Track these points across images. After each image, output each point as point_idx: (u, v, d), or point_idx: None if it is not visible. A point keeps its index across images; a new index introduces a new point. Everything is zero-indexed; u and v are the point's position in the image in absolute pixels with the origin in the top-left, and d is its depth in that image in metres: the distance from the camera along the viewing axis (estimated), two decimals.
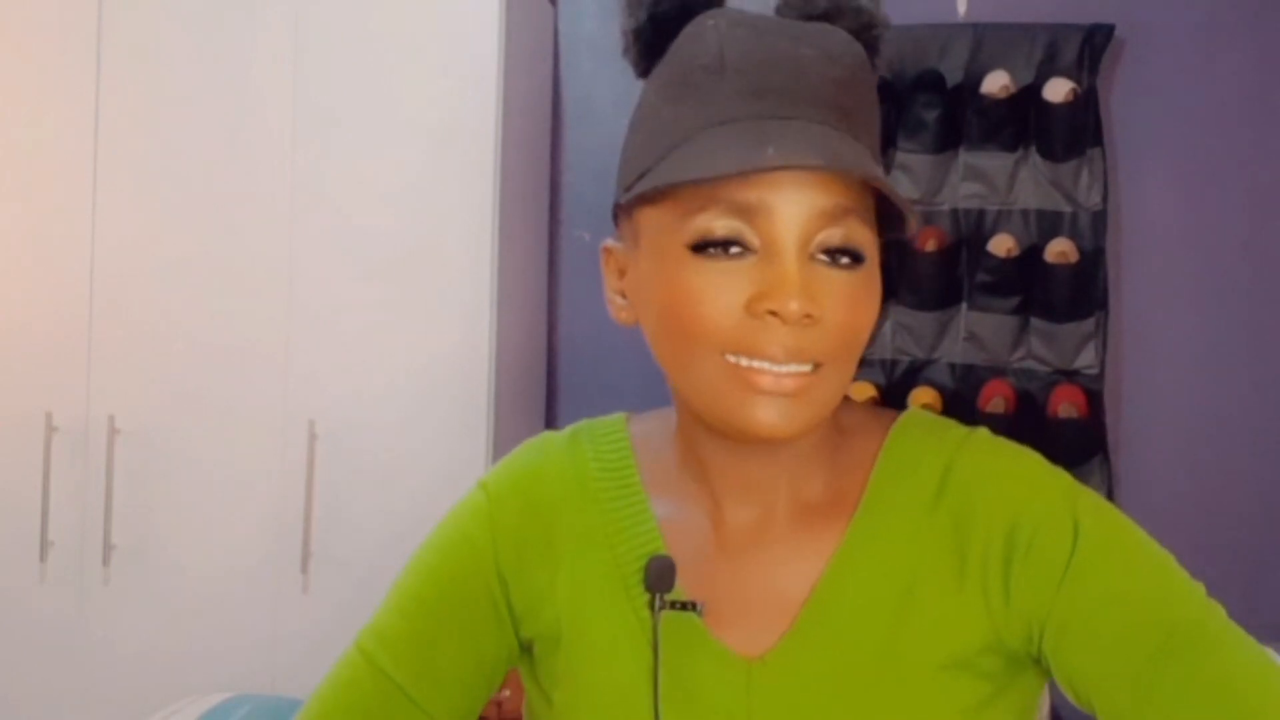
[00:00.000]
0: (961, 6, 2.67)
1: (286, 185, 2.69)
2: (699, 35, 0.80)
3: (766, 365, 0.76)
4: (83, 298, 2.75)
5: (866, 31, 0.83)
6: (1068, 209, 2.77)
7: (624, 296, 0.85)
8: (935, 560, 0.82)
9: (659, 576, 0.83)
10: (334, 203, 2.68)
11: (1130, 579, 0.79)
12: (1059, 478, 0.84)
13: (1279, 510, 2.74)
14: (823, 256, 0.77)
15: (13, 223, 2.79)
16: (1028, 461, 0.85)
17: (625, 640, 0.85)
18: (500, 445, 2.63)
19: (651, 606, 0.83)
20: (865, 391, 2.81)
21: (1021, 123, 2.79)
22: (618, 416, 0.94)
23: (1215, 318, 2.77)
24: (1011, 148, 2.80)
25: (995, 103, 2.78)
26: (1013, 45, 2.80)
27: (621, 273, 0.85)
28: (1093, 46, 2.75)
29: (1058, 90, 2.74)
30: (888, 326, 2.84)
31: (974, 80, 2.81)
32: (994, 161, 2.81)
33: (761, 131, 0.74)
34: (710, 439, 0.84)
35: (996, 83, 2.78)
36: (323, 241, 2.68)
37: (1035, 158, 2.80)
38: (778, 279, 0.75)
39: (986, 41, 2.81)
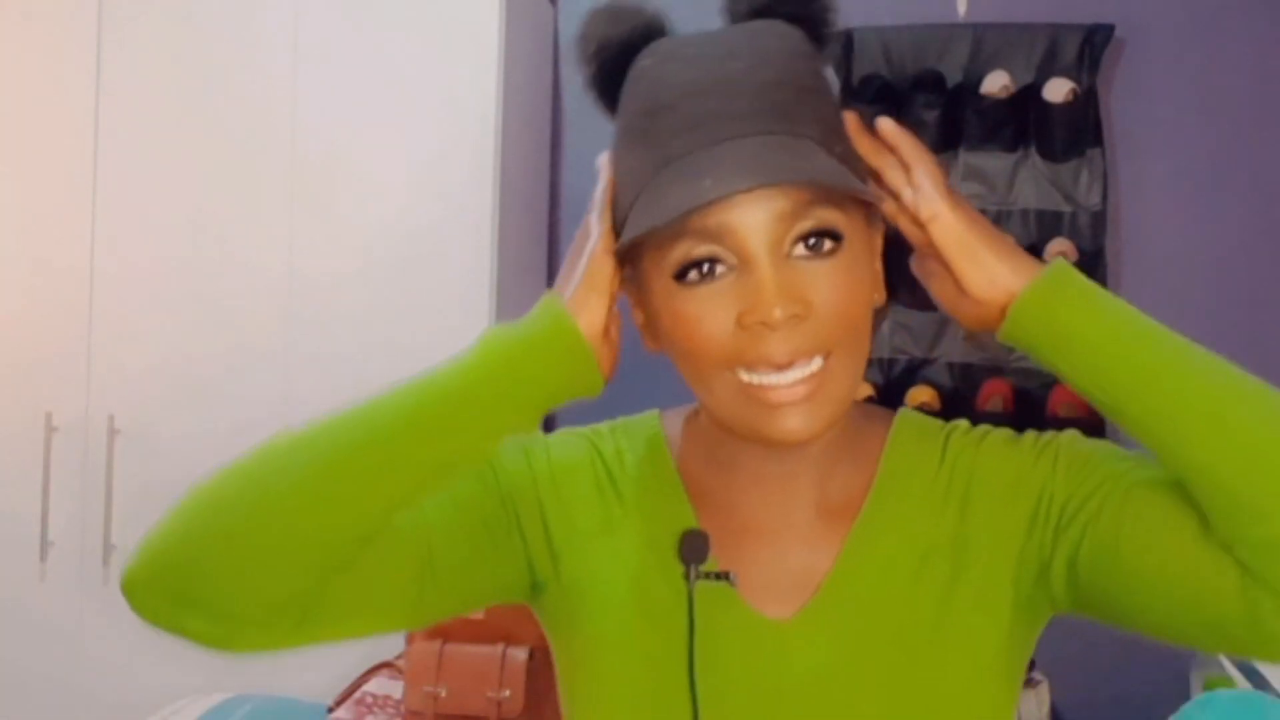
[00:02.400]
0: (961, 6, 2.67)
1: (286, 186, 2.69)
2: (636, 80, 0.85)
3: (775, 377, 0.80)
4: (83, 298, 2.75)
5: (808, 12, 0.86)
6: (1067, 209, 2.77)
7: (646, 329, 0.89)
8: (949, 527, 0.89)
9: (693, 548, 0.88)
10: (334, 203, 2.68)
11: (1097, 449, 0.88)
12: (1032, 433, 0.92)
13: None
14: (802, 250, 0.80)
15: (13, 223, 2.79)
16: (1005, 431, 0.93)
17: (662, 608, 0.89)
18: None
19: (686, 577, 0.87)
20: (863, 390, 2.81)
21: (1021, 123, 2.79)
22: (651, 412, 0.98)
23: (1215, 318, 2.77)
24: (1011, 148, 2.80)
25: (995, 103, 2.78)
26: (1013, 45, 2.80)
27: (638, 307, 0.89)
28: (1093, 46, 2.75)
29: (1058, 90, 2.74)
30: (886, 326, 2.84)
31: (974, 80, 2.81)
32: (994, 162, 2.81)
33: (699, 164, 0.79)
34: (737, 440, 0.87)
35: (996, 83, 2.78)
36: (322, 242, 2.68)
37: (1035, 158, 2.80)
38: (756, 290, 0.79)
39: (986, 41, 2.81)
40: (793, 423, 0.81)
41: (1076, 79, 2.74)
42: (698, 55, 0.83)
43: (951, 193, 0.85)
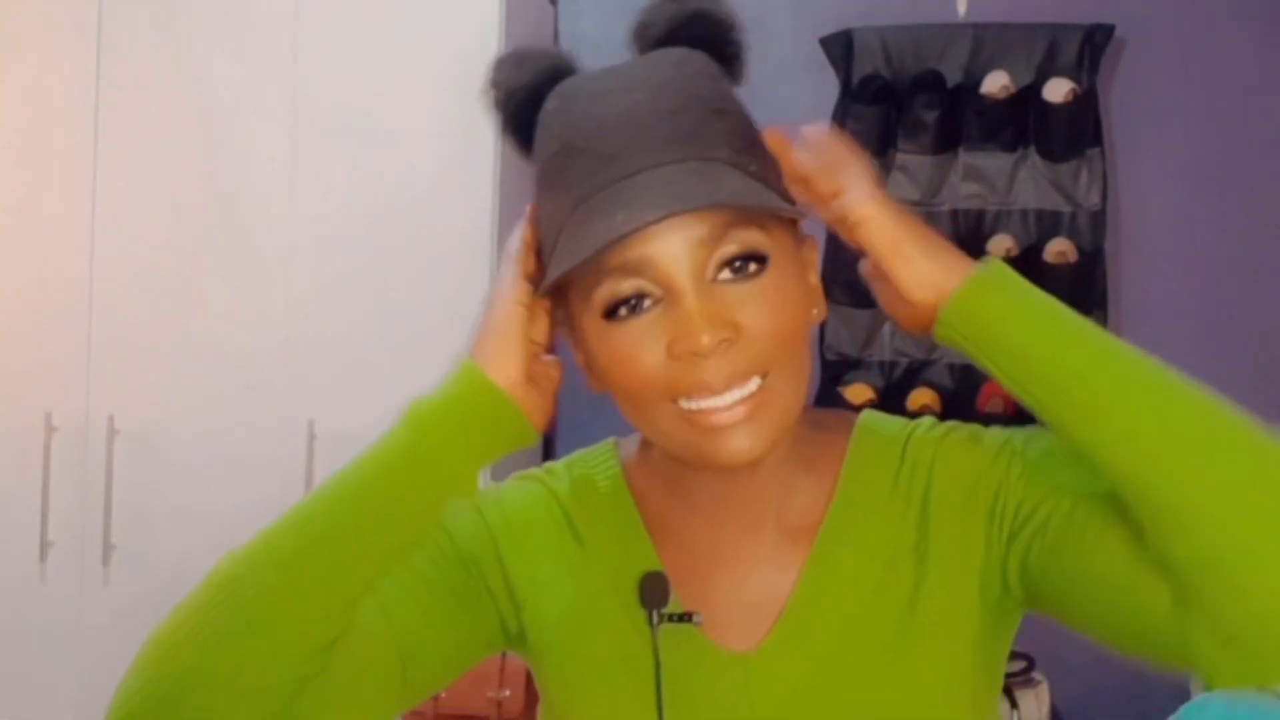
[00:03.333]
0: (961, 6, 2.68)
1: (286, 186, 2.69)
2: (545, 125, 0.84)
3: (713, 401, 0.79)
4: (83, 298, 2.75)
5: (710, 36, 0.86)
6: (1067, 209, 2.77)
7: (588, 369, 0.87)
8: (910, 535, 0.88)
9: (653, 592, 0.86)
10: (334, 204, 2.68)
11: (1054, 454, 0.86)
12: (993, 432, 0.90)
13: None
14: (727, 274, 0.80)
15: (13, 223, 2.79)
16: (965, 431, 0.91)
17: (627, 652, 0.87)
18: None
19: (649, 621, 0.86)
20: (864, 394, 2.81)
21: (1021, 123, 2.79)
22: (607, 442, 0.97)
23: (1214, 318, 2.77)
24: (1011, 148, 2.80)
25: (995, 103, 2.78)
26: (1013, 45, 2.80)
27: (577, 349, 0.88)
28: (1093, 46, 2.75)
29: (1057, 90, 2.74)
30: (886, 328, 2.84)
31: (974, 80, 2.81)
32: (993, 162, 2.81)
33: (612, 200, 0.78)
34: (691, 469, 0.87)
35: (996, 83, 2.78)
36: (322, 243, 2.68)
37: (1035, 158, 2.80)
38: (682, 320, 0.79)
39: (986, 41, 2.81)
40: (738, 443, 0.80)
41: (1076, 79, 2.75)
42: (601, 92, 0.82)
43: (881, 195, 0.83)
